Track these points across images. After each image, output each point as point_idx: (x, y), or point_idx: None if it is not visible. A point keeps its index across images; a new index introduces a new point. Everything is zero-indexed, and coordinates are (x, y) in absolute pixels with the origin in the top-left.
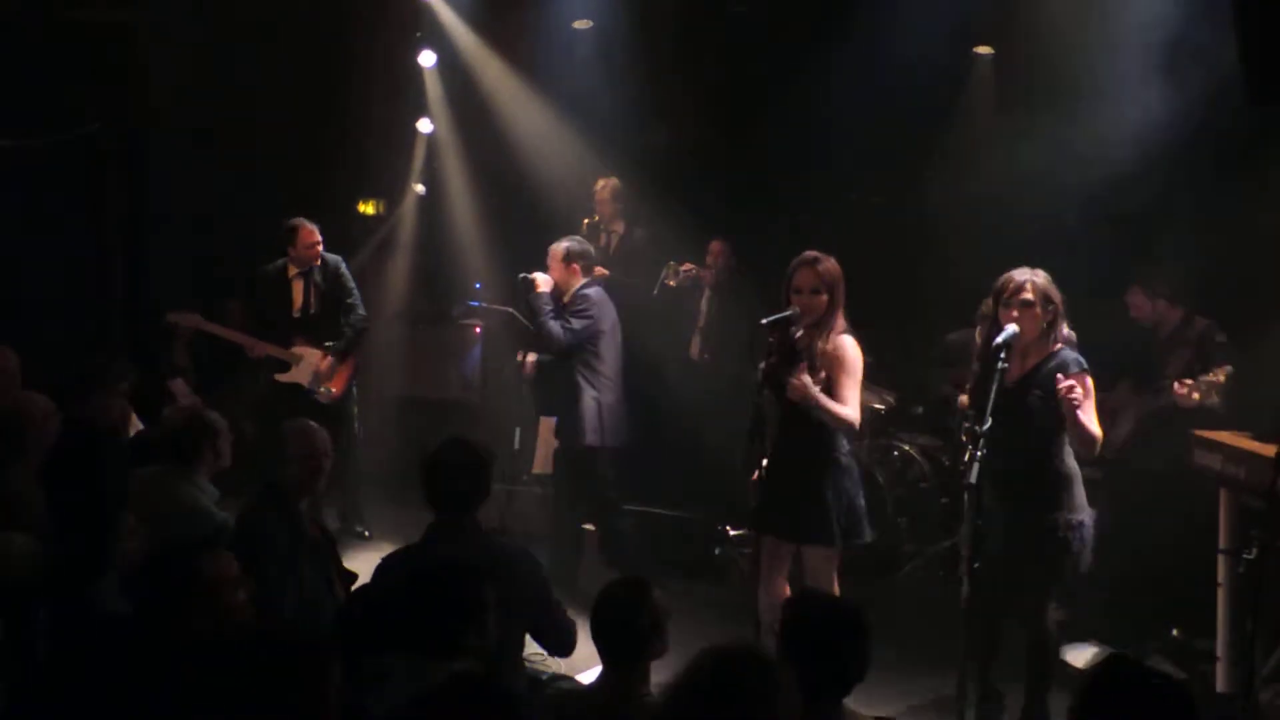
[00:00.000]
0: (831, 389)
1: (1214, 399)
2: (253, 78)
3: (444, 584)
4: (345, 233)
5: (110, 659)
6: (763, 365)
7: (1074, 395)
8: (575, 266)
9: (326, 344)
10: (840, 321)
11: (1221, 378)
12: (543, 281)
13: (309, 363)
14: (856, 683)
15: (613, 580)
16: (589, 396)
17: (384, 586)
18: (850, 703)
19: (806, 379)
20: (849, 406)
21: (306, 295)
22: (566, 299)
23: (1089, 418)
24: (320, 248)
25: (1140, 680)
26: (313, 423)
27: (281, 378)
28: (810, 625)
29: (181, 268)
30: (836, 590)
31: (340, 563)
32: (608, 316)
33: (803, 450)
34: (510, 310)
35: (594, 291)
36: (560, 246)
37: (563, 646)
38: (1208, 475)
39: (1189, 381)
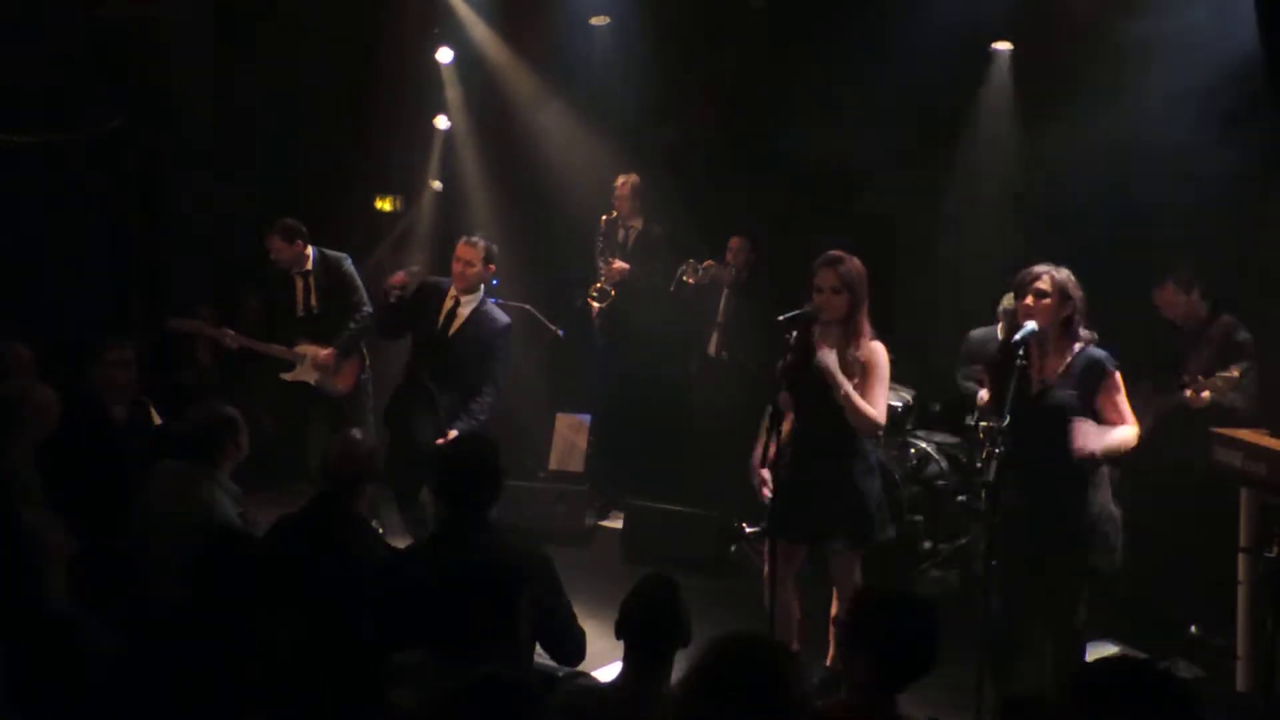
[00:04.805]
0: (861, 392)
1: (1229, 397)
2: (272, 75)
3: (478, 585)
4: (363, 229)
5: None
6: (780, 364)
7: (1085, 449)
8: None
9: (335, 341)
10: (868, 327)
11: (1236, 374)
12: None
13: (312, 361)
14: (920, 676)
15: (644, 577)
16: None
17: (401, 585)
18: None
19: (833, 358)
20: (875, 408)
21: (308, 294)
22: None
23: (1124, 421)
24: (283, 253)
25: (1133, 676)
26: (354, 432)
27: (286, 376)
28: (884, 617)
29: (200, 263)
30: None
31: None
32: None
33: (828, 449)
34: (526, 306)
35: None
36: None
37: (571, 654)
38: (1228, 473)
39: (1200, 379)
